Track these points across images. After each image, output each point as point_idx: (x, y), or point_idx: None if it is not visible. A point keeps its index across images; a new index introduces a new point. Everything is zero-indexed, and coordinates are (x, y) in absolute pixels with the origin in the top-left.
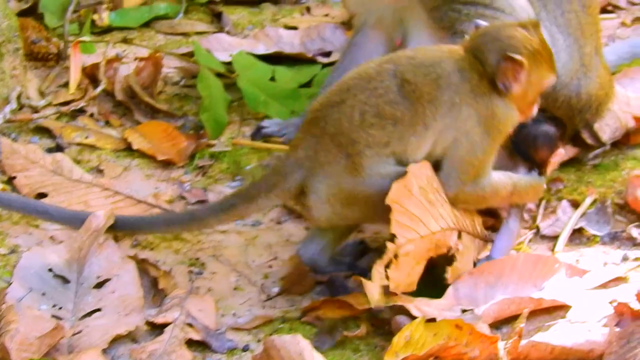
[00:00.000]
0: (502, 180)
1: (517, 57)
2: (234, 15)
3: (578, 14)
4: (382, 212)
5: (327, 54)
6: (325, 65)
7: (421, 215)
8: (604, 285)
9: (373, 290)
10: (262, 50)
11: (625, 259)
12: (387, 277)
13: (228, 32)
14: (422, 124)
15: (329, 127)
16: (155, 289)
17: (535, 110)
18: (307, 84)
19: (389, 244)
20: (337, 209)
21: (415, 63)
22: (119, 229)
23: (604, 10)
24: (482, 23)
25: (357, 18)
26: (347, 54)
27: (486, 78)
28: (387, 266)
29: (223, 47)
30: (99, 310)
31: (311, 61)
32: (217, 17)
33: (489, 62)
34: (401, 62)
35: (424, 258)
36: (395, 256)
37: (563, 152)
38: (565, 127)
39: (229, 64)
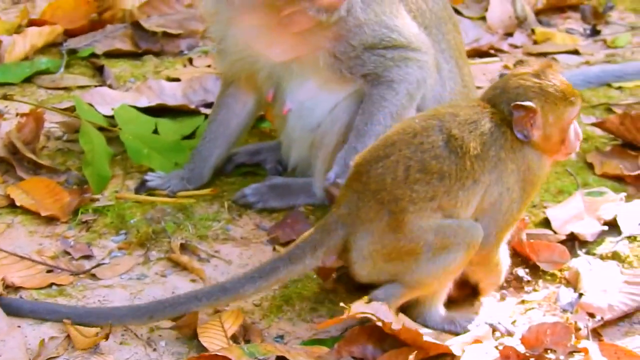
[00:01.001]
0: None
1: (527, 104)
2: (115, 68)
3: (454, 35)
4: (426, 265)
5: (210, 105)
6: (208, 117)
7: None
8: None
9: None
10: (144, 102)
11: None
12: None
13: (110, 86)
14: (471, 179)
15: (371, 184)
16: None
17: (573, 145)
18: (191, 136)
19: None
20: (378, 265)
21: (459, 120)
22: (138, 319)
23: (486, 54)
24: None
25: (228, 76)
26: (217, 113)
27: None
28: None
29: (105, 100)
30: None
31: (194, 112)
32: (99, 70)
33: (506, 114)
34: (445, 119)
35: None
36: None
37: None
38: None
39: (111, 117)
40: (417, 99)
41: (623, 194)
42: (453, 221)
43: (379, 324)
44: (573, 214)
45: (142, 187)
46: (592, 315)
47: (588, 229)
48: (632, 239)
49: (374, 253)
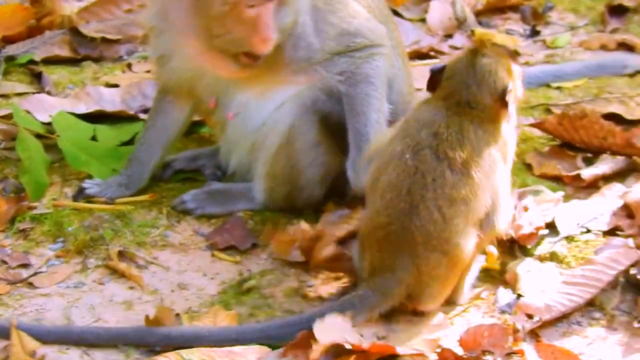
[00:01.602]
0: None
1: (509, 84)
2: (54, 74)
3: (397, 34)
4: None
5: (149, 111)
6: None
7: None
8: (429, 332)
9: None
10: (82, 109)
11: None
12: None
13: (48, 92)
14: (482, 183)
15: (417, 237)
16: None
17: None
18: (129, 142)
19: None
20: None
21: (442, 136)
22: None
23: (426, 56)
24: (438, 65)
25: (167, 85)
26: (154, 119)
27: (483, 116)
28: None
29: (44, 107)
30: None
31: (133, 118)
32: (37, 77)
33: (483, 101)
34: (429, 141)
35: None
36: None
37: None
38: None
39: (49, 124)
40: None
41: (561, 193)
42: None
43: (348, 346)
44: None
45: (80, 195)
46: (530, 316)
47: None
48: (569, 239)
49: (441, 289)
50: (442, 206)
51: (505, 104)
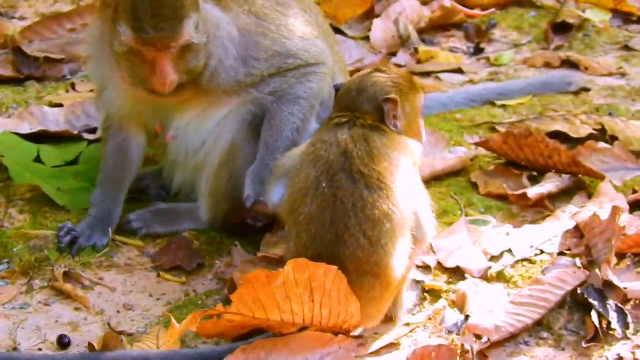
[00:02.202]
0: None
1: (391, 96)
2: None
3: (339, 50)
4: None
5: (93, 131)
6: (91, 142)
7: (265, 304)
8: (376, 353)
9: None
10: (26, 129)
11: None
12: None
13: None
14: (404, 198)
15: (348, 265)
16: None
17: (424, 133)
18: (74, 162)
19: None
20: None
21: (352, 154)
22: None
23: None
24: (339, 83)
25: (116, 120)
26: (113, 159)
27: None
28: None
29: None
30: None
31: (77, 138)
32: None
33: (371, 113)
34: (341, 162)
35: (246, 329)
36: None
37: None
38: None
39: None
40: (317, 109)
41: (509, 227)
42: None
43: None
44: (458, 245)
45: (74, 248)
46: (479, 337)
47: (474, 264)
48: (518, 260)
49: (379, 308)
50: (366, 230)
51: (383, 114)
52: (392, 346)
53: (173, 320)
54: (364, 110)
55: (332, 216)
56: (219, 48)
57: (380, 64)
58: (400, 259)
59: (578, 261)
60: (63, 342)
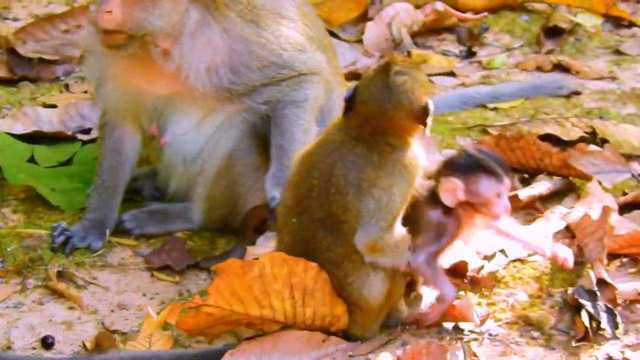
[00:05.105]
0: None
1: (428, 101)
2: None
3: (336, 63)
4: None
5: (87, 131)
6: (85, 143)
7: (243, 296)
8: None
9: None
10: (20, 129)
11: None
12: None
13: None
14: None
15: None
16: None
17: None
18: (68, 162)
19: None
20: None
21: (345, 164)
22: None
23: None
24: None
25: (112, 117)
26: (108, 160)
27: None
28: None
29: None
30: None
31: (71, 139)
32: None
33: (394, 120)
34: (307, 197)
35: (228, 326)
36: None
37: None
38: None
39: None
40: (317, 113)
41: None
42: None
43: None
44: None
45: (68, 246)
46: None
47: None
48: (510, 261)
49: (367, 322)
50: (331, 270)
51: (424, 124)
52: (383, 344)
53: (149, 309)
54: (386, 119)
55: (304, 249)
56: (185, 46)
57: (390, 58)
58: (375, 288)
59: None
60: (47, 343)
